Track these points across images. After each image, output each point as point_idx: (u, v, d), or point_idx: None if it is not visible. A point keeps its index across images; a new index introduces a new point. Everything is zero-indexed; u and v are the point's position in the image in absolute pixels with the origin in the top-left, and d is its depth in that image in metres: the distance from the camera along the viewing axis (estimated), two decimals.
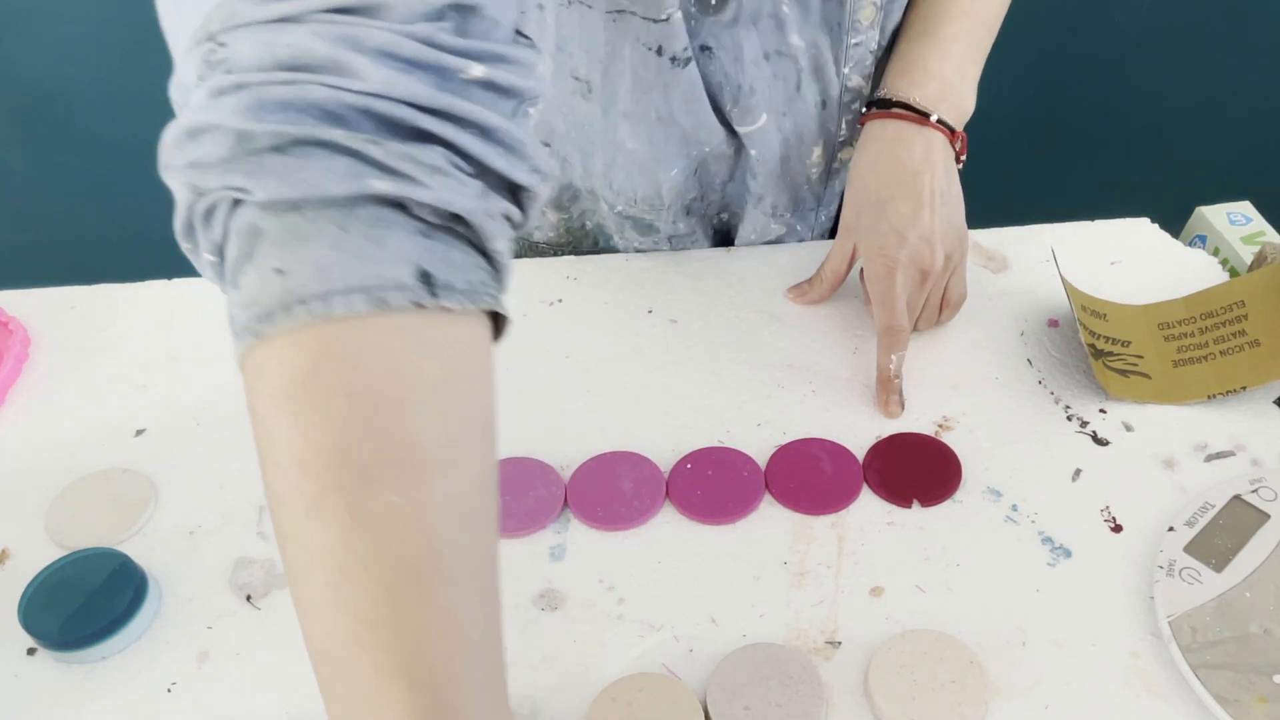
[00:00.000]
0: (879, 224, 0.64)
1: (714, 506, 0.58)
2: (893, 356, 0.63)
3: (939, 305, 0.67)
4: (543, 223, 0.78)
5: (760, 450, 0.61)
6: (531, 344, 0.68)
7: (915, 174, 0.64)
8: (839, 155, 0.73)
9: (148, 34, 1.47)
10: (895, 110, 0.65)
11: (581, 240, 0.79)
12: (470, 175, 0.36)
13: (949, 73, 0.66)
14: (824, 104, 0.68)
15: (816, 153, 0.71)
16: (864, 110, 0.67)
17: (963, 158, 0.68)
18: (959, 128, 0.66)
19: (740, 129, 0.67)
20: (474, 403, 0.35)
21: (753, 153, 0.69)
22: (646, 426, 0.63)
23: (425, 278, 0.33)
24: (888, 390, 0.63)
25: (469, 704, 0.33)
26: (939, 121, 0.64)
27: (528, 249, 0.87)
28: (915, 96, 0.65)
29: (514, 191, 0.38)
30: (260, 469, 0.34)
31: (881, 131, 0.65)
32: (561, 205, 0.77)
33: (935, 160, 0.64)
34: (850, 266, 0.69)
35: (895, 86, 0.66)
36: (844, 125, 0.70)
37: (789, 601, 0.54)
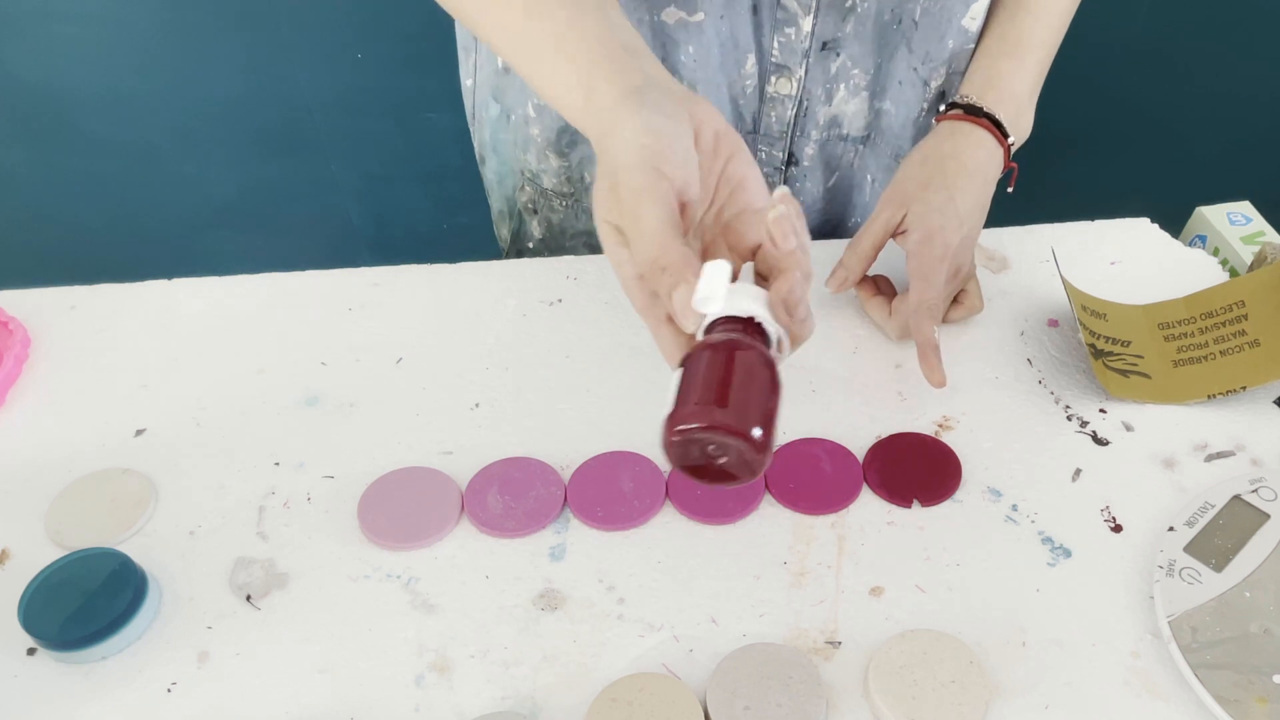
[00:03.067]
0: (947, 206, 0.64)
1: (714, 506, 0.58)
2: (934, 328, 0.63)
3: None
4: (547, 167, 0.79)
5: None
6: (531, 344, 0.68)
7: (984, 181, 0.66)
8: (774, 83, 0.72)
9: (147, 34, 1.48)
10: (981, 119, 0.66)
11: (582, 194, 0.80)
12: None
13: (1022, 97, 0.68)
14: (755, 10, 0.68)
15: (750, 61, 0.71)
16: (945, 109, 0.68)
17: (1009, 189, 0.70)
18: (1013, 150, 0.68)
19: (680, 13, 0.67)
20: None
21: (690, 48, 0.68)
22: (646, 426, 0.63)
23: None
24: (938, 357, 0.63)
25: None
26: (1009, 146, 0.67)
27: (528, 247, 0.87)
28: (999, 113, 0.67)
29: None
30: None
31: (969, 133, 0.66)
32: (561, 151, 0.78)
33: (992, 177, 0.67)
34: (886, 240, 0.66)
35: (984, 98, 0.67)
36: (776, 44, 0.70)
37: (789, 601, 0.54)
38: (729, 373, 0.40)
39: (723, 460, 0.41)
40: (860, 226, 0.82)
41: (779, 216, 0.45)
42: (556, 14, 0.50)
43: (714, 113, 0.49)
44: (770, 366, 0.41)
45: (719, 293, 0.41)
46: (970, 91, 0.68)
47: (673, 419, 0.40)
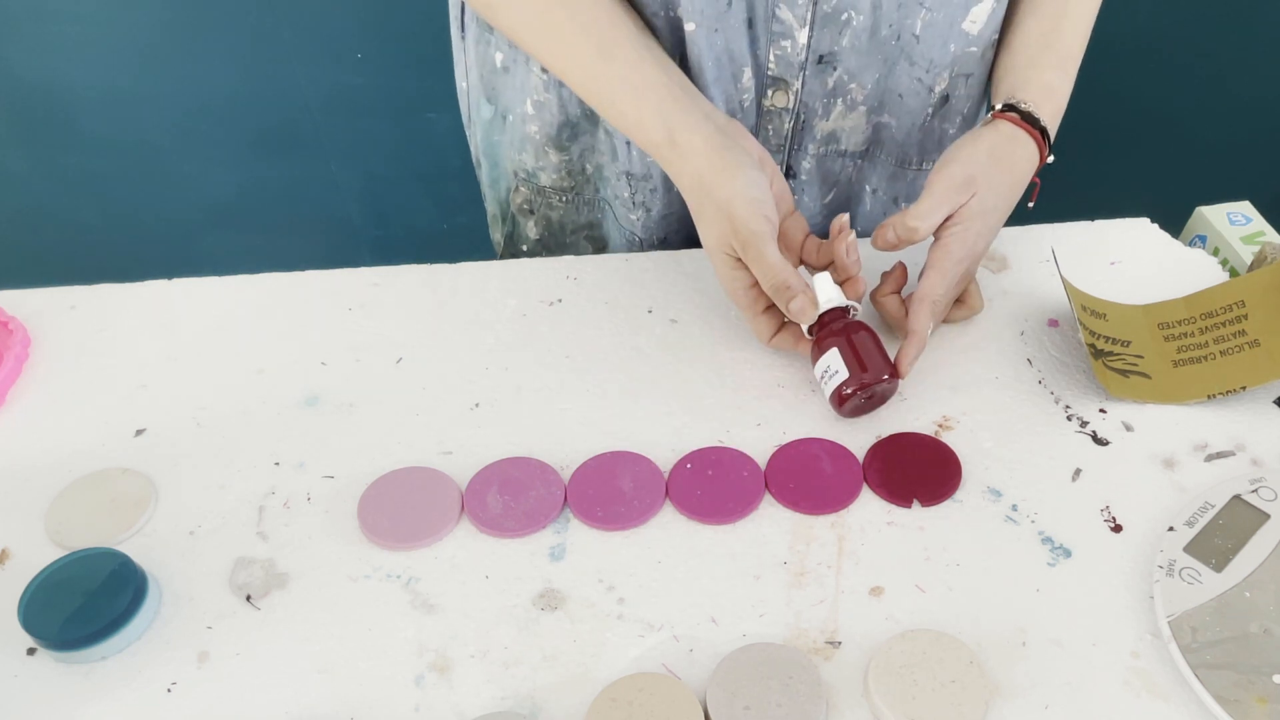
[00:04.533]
0: (992, 213, 0.64)
1: (714, 506, 0.58)
2: (930, 325, 0.63)
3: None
4: (546, 163, 0.79)
5: (760, 450, 0.61)
6: (531, 344, 0.68)
7: (1019, 193, 0.66)
8: (771, 96, 0.72)
9: (147, 34, 1.48)
10: (1034, 131, 0.66)
11: (583, 187, 0.80)
12: None
13: (1059, 112, 0.68)
14: (750, 23, 0.68)
15: (747, 75, 0.70)
16: (1002, 108, 0.67)
17: (1030, 205, 0.69)
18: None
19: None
20: None
21: (690, 51, 0.68)
22: (646, 426, 0.63)
23: None
24: (918, 352, 0.62)
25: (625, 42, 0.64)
26: (1044, 163, 0.67)
27: (523, 250, 0.87)
28: (1051, 129, 0.67)
29: None
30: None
31: (1024, 142, 0.65)
32: (562, 145, 0.78)
33: (1022, 190, 0.67)
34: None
35: (1040, 110, 0.66)
36: (772, 57, 0.69)
37: (789, 601, 0.54)
38: (859, 347, 0.61)
39: (871, 398, 0.62)
40: (863, 227, 0.82)
41: (851, 243, 0.63)
42: (626, 56, 0.64)
43: (754, 139, 0.66)
44: (871, 330, 0.63)
45: (833, 294, 0.62)
46: (1027, 99, 0.67)
47: (841, 387, 0.61)
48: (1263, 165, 1.48)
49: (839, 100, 0.72)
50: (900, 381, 0.63)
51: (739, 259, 0.62)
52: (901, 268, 0.67)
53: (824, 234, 0.82)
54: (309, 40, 1.35)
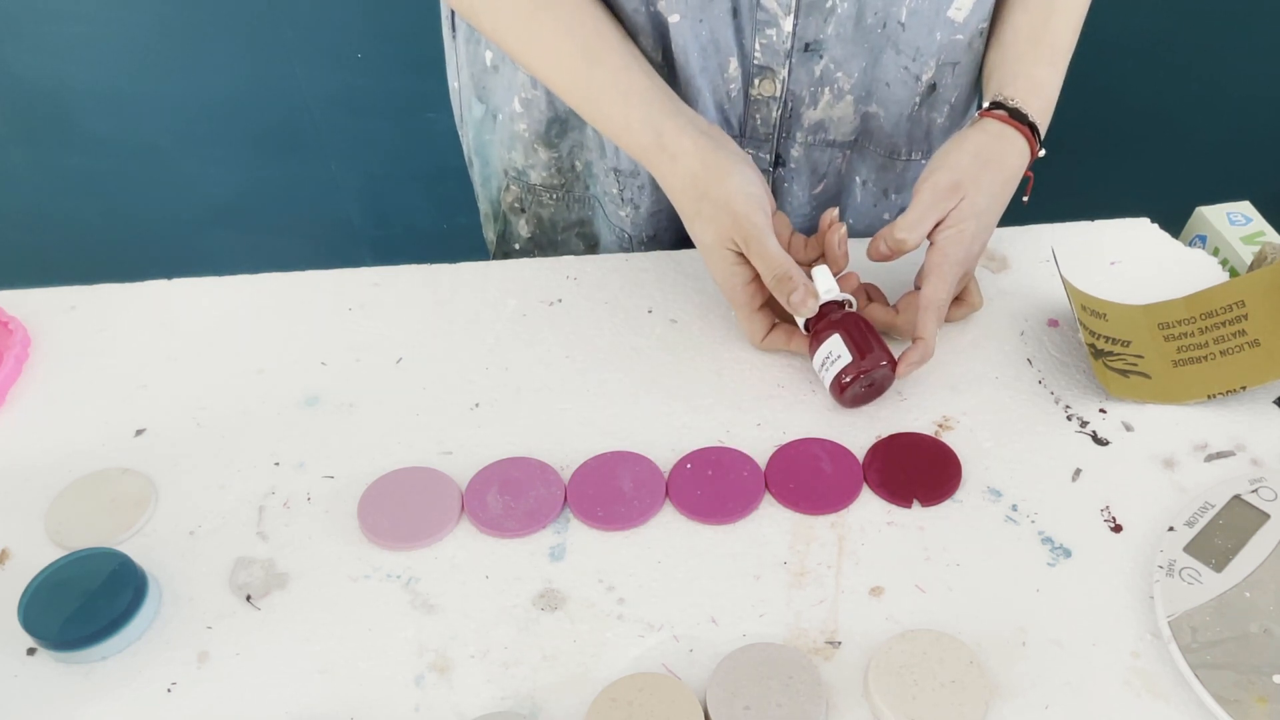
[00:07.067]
0: (985, 214, 0.64)
1: (714, 506, 0.58)
2: (936, 331, 0.63)
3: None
4: (535, 161, 0.80)
5: (760, 450, 0.61)
6: (531, 344, 0.68)
7: (1011, 190, 0.66)
8: (758, 85, 0.72)
9: (147, 34, 1.47)
10: (1023, 126, 0.66)
11: (573, 184, 0.81)
12: None
13: (1053, 105, 0.68)
14: (735, 12, 0.68)
15: (732, 64, 0.70)
16: (989, 106, 0.67)
17: (1025, 199, 0.69)
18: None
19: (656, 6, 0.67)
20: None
21: (675, 43, 0.68)
22: (646, 426, 0.63)
23: None
24: (921, 359, 0.62)
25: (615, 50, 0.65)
26: (1035, 157, 0.67)
27: (515, 248, 0.87)
28: (1040, 123, 0.67)
29: None
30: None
31: (1012, 138, 0.65)
32: (550, 142, 0.78)
33: (1015, 186, 0.67)
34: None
35: (1028, 104, 0.66)
36: (758, 46, 0.69)
37: (789, 601, 0.54)
38: (858, 335, 0.62)
39: (870, 386, 0.62)
40: (853, 219, 0.82)
41: (843, 235, 0.64)
42: (612, 61, 0.64)
43: (735, 144, 0.65)
44: (868, 321, 0.63)
45: (833, 286, 0.63)
46: (1015, 95, 0.67)
47: (841, 374, 0.61)
48: (1263, 165, 1.48)
49: (826, 89, 0.72)
50: (897, 378, 0.63)
51: (740, 254, 0.62)
52: (854, 275, 0.67)
53: (812, 229, 0.82)
54: (309, 40, 1.35)
